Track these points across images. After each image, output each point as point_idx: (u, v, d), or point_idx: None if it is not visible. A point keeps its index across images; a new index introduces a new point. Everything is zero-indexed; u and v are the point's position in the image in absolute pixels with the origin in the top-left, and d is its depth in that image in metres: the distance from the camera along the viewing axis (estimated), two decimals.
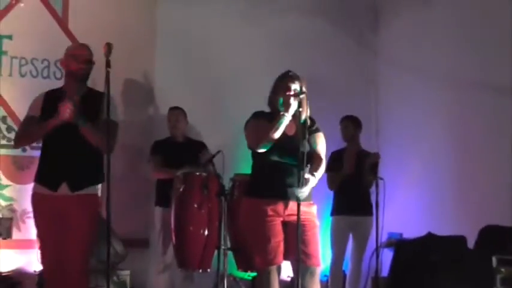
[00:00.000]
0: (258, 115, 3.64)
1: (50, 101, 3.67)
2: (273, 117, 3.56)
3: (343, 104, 6.06)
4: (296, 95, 3.49)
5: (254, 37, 6.02)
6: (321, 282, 3.87)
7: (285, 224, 3.56)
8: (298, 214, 3.36)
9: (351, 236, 5.54)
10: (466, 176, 5.50)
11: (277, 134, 3.47)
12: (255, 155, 3.63)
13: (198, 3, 5.87)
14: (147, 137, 5.46)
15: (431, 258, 4.34)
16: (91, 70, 3.72)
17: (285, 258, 3.57)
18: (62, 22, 5.53)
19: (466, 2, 5.64)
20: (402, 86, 6.22)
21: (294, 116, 3.51)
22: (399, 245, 5.09)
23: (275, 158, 3.53)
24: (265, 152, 3.52)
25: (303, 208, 3.44)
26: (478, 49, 5.45)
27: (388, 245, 5.61)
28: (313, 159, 3.59)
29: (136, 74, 5.62)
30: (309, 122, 3.61)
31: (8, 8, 5.39)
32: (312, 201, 3.64)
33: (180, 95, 5.63)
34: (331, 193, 5.58)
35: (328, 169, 4.55)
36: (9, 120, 5.33)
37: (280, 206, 3.53)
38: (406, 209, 5.87)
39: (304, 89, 3.53)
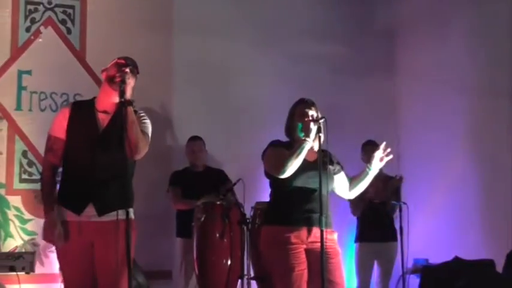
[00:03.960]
0: (275, 143, 3.61)
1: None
2: (291, 145, 3.53)
3: (363, 128, 6.00)
4: (315, 120, 3.46)
5: (270, 64, 6.02)
6: None
7: (308, 252, 3.48)
8: (322, 241, 3.29)
9: (375, 262, 5.45)
10: (493, 197, 5.39)
11: (299, 160, 3.43)
12: (275, 183, 3.57)
13: (214, 32, 5.89)
14: (165, 167, 5.43)
15: (460, 284, 4.23)
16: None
17: (309, 287, 3.49)
18: (80, 55, 5.59)
19: (482, 12, 5.59)
20: (423, 106, 6.15)
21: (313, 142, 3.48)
22: (426, 270, 5.00)
23: (298, 184, 3.48)
24: (287, 178, 3.47)
25: (326, 235, 3.37)
26: (504, 60, 5.37)
27: (414, 271, 5.51)
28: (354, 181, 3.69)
29: (154, 104, 5.62)
30: (329, 154, 3.61)
31: (27, 43, 5.46)
32: (333, 229, 3.58)
33: (198, 124, 5.63)
34: (353, 219, 5.50)
35: None
36: (30, 155, 5.37)
37: (303, 233, 3.47)
38: (431, 233, 5.76)
39: (320, 115, 3.52)
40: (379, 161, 3.60)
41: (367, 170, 3.62)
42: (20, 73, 5.41)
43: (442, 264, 4.69)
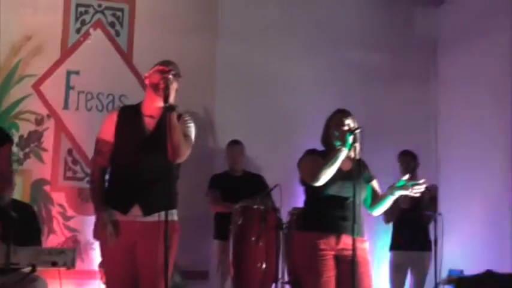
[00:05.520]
0: (311, 152, 3.66)
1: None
2: (326, 154, 3.59)
3: (401, 138, 5.99)
4: (352, 130, 3.51)
5: (312, 71, 6.04)
6: None
7: (337, 259, 3.53)
8: (353, 250, 3.34)
9: (409, 271, 5.45)
10: None
11: (334, 168, 3.49)
12: (309, 190, 3.63)
13: (257, 38, 5.95)
14: (206, 170, 5.49)
15: None
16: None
17: None
18: (127, 58, 5.71)
19: None
20: (462, 116, 6.10)
21: (348, 151, 3.55)
22: (460, 282, 4.98)
23: (331, 192, 3.54)
24: (320, 186, 3.53)
25: (357, 244, 3.40)
26: None
27: (449, 281, 5.47)
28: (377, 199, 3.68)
29: (196, 108, 5.68)
30: (363, 163, 3.64)
31: (76, 45, 5.60)
32: (364, 238, 3.62)
33: (239, 128, 5.67)
34: (387, 228, 5.50)
35: None
36: (74, 153, 5.50)
37: (332, 240, 3.52)
38: (467, 245, 5.72)
39: (357, 125, 3.56)
40: (406, 190, 3.57)
41: (390, 194, 3.61)
42: (69, 73, 5.55)
43: (476, 276, 4.67)
